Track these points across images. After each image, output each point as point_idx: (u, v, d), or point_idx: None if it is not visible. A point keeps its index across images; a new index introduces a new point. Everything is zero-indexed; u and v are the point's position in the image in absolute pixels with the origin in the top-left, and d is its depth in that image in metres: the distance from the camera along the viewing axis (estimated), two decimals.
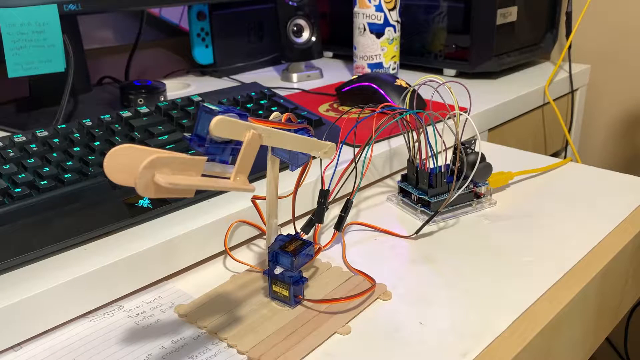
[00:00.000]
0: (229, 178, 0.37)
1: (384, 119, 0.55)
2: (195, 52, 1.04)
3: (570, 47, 1.01)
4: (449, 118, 0.59)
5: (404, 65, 1.05)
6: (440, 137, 0.59)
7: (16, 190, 0.49)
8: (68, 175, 0.52)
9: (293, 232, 0.48)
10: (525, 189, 0.64)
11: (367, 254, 0.53)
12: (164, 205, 0.52)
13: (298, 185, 0.50)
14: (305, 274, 0.47)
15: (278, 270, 0.45)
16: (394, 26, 0.92)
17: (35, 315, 0.42)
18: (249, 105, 0.70)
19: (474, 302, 0.45)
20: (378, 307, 0.45)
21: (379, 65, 0.93)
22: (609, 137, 1.15)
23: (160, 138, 0.59)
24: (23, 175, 0.50)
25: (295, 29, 1.00)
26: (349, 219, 0.57)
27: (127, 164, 0.31)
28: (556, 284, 0.47)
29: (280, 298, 0.45)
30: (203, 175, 0.35)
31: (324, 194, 0.53)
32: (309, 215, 0.53)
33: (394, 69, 0.95)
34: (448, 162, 0.60)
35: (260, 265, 0.51)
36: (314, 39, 1.02)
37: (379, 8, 0.90)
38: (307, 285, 0.47)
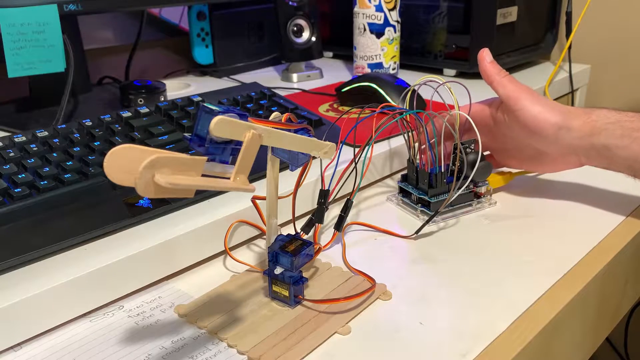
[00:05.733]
0: (229, 178, 0.37)
1: (384, 119, 0.55)
2: (195, 52, 1.04)
3: (570, 47, 1.01)
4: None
5: (404, 65, 1.05)
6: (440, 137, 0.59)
7: (16, 190, 0.48)
8: (68, 175, 0.52)
9: (293, 232, 0.48)
10: (525, 189, 0.64)
11: (367, 254, 0.53)
12: (164, 205, 0.52)
13: (298, 185, 0.50)
14: (305, 274, 0.47)
15: (278, 270, 0.45)
16: (394, 26, 0.92)
17: (35, 315, 0.42)
18: (249, 105, 0.69)
19: (474, 302, 0.45)
20: (378, 307, 0.45)
21: (379, 65, 0.93)
22: None
23: (160, 138, 0.59)
24: (23, 175, 0.50)
25: (295, 29, 1.00)
26: (349, 219, 0.57)
27: (127, 164, 0.31)
28: (556, 284, 0.47)
29: (280, 298, 0.45)
30: (203, 175, 0.35)
31: (324, 194, 0.53)
32: (309, 215, 0.53)
33: (394, 69, 0.95)
34: (448, 162, 0.60)
35: (260, 265, 0.51)
36: (314, 39, 1.01)
37: (379, 8, 0.90)
38: (307, 285, 0.47)
